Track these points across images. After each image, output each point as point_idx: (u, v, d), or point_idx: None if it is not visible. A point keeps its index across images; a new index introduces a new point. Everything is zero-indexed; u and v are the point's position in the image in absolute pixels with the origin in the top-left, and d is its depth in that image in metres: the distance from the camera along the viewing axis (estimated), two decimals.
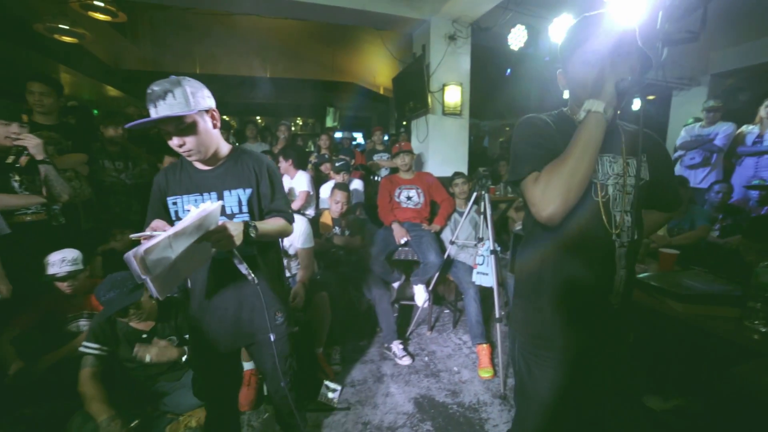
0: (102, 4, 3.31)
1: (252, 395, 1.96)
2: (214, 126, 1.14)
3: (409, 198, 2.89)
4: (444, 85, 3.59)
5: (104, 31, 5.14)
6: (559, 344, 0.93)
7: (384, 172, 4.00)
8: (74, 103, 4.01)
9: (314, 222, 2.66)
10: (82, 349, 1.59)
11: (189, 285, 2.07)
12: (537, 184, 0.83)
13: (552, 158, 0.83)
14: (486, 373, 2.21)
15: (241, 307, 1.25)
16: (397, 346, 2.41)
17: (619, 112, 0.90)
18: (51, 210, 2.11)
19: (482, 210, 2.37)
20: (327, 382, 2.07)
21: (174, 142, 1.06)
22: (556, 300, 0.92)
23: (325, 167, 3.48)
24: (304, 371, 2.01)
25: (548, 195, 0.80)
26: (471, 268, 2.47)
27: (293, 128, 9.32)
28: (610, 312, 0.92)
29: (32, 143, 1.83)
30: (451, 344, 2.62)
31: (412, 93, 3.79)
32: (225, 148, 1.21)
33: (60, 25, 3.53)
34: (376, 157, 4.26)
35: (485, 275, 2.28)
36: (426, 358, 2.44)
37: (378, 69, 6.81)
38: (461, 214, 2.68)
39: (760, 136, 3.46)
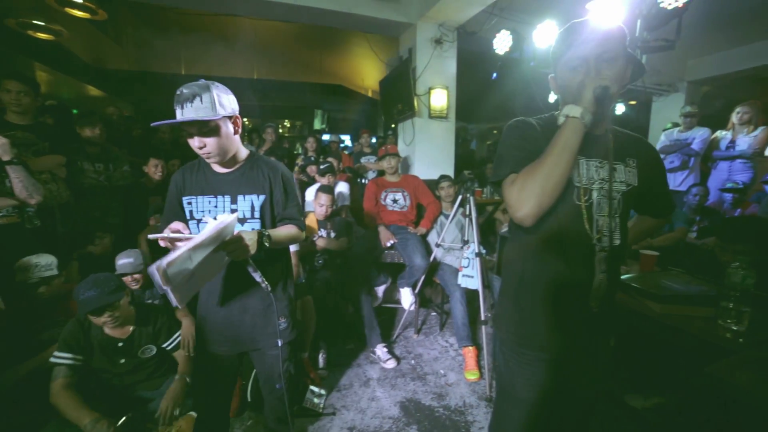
0: (80, 1, 3.22)
1: (236, 402, 1.92)
2: (235, 132, 1.18)
3: (395, 201, 2.89)
4: (430, 89, 3.61)
5: (85, 30, 5.02)
6: (537, 343, 0.94)
7: (371, 175, 4.00)
8: (53, 102, 3.89)
9: None
10: (53, 359, 1.52)
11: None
12: (513, 186, 0.85)
13: (532, 161, 0.85)
14: (472, 375, 2.22)
15: (245, 311, 1.27)
16: (381, 350, 2.39)
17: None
18: (25, 212, 2.03)
19: (468, 213, 2.38)
20: (312, 387, 2.04)
21: (195, 143, 1.10)
22: (536, 300, 0.93)
23: (310, 170, 3.46)
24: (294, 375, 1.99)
25: (523, 196, 0.82)
26: (457, 271, 2.48)
27: (281, 130, 9.24)
28: (590, 315, 0.92)
29: None
30: (438, 347, 2.62)
31: (398, 96, 3.81)
32: (243, 153, 1.25)
33: (34, 21, 3.42)
34: (363, 160, 4.26)
35: (471, 278, 2.29)
36: (412, 361, 2.44)
37: (366, 72, 6.83)
38: (447, 216, 2.70)
39: (732, 141, 3.60)
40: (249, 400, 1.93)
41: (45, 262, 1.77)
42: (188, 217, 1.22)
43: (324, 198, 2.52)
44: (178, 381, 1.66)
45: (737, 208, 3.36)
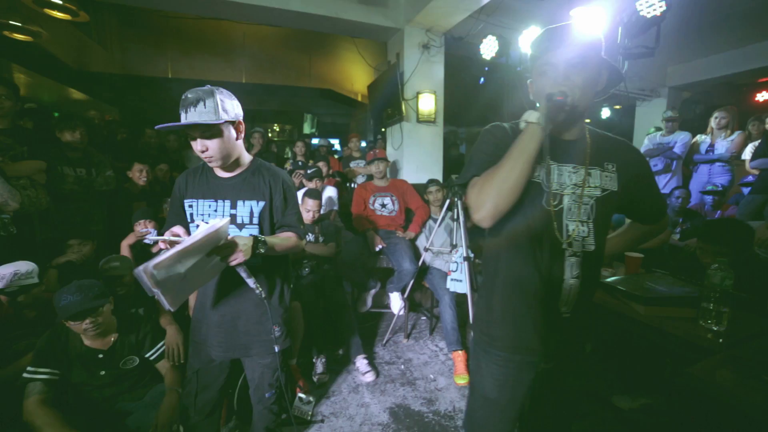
0: (60, 2, 3.15)
1: (222, 410, 1.88)
2: (238, 137, 1.19)
3: (383, 205, 2.89)
4: (418, 93, 3.63)
5: (68, 32, 4.92)
6: (506, 344, 0.95)
7: (360, 179, 3.99)
8: (32, 105, 3.78)
9: None
10: (27, 375, 1.45)
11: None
12: (473, 188, 0.88)
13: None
14: (462, 379, 2.21)
15: (239, 317, 1.27)
16: (360, 361, 2.31)
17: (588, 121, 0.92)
18: (0, 219, 1.97)
19: (456, 216, 2.39)
20: (301, 394, 2.01)
21: (197, 146, 1.12)
22: (505, 301, 0.94)
23: (296, 175, 3.44)
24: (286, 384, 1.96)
25: (480, 199, 0.84)
26: (446, 275, 2.48)
27: (270, 134, 9.18)
28: (561, 320, 0.92)
29: None
30: (428, 351, 2.62)
31: (386, 100, 3.82)
32: (246, 158, 1.26)
33: (10, 22, 3.33)
34: (353, 164, 4.25)
35: (459, 282, 2.30)
36: (402, 366, 2.43)
37: (355, 76, 6.85)
38: (436, 220, 2.70)
39: (711, 145, 3.71)
40: (235, 408, 1.90)
41: (25, 270, 1.71)
42: (189, 220, 1.24)
43: (310, 203, 2.50)
44: (171, 394, 1.61)
45: (717, 210, 3.45)
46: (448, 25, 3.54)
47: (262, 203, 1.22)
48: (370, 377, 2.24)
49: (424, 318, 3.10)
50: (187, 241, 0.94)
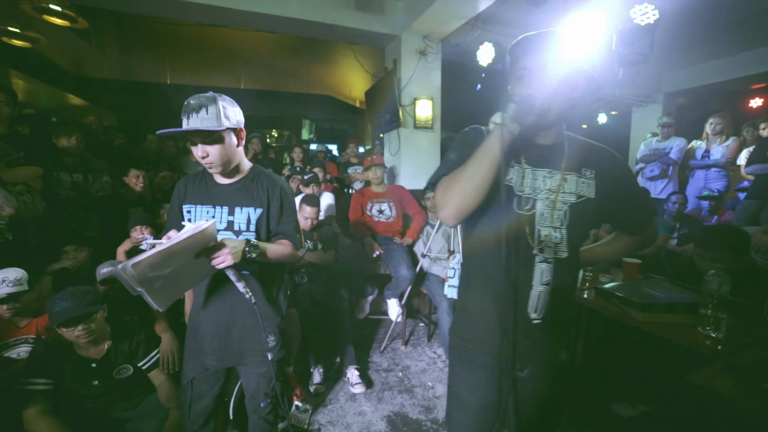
0: (59, 9, 3.16)
1: (219, 419, 1.85)
2: (239, 144, 1.19)
3: (380, 211, 2.88)
4: (415, 99, 3.65)
5: (65, 37, 4.92)
6: (477, 348, 0.95)
7: (358, 185, 3.99)
8: (30, 110, 3.78)
9: None
10: (24, 386, 1.43)
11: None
12: (440, 187, 0.88)
13: None
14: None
15: (233, 324, 1.25)
16: (351, 372, 2.26)
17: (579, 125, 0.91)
18: None
19: None
20: (297, 403, 1.99)
21: (198, 152, 1.12)
22: (476, 304, 0.94)
23: (292, 180, 3.44)
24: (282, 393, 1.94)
25: (445, 198, 0.85)
26: (444, 281, 2.47)
27: (268, 140, 9.19)
28: (530, 327, 0.91)
29: None
30: (426, 358, 2.60)
31: (384, 107, 3.83)
32: (246, 165, 1.26)
33: (9, 28, 3.34)
34: (350, 170, 4.25)
35: (457, 288, 2.29)
36: (400, 374, 2.41)
37: (353, 82, 6.88)
38: (433, 226, 2.70)
39: (707, 151, 3.74)
40: (231, 417, 1.87)
41: (14, 277, 1.69)
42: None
43: (308, 210, 2.48)
44: (172, 413, 1.60)
45: (714, 215, 3.46)
46: (444, 32, 3.57)
47: (259, 210, 1.22)
48: (359, 389, 2.19)
49: (423, 324, 3.08)
50: (170, 241, 0.93)
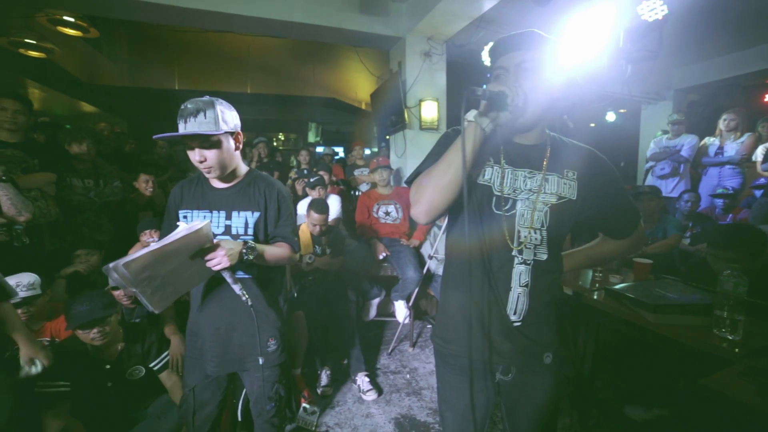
0: (72, 20, 3.24)
1: (227, 422, 1.86)
2: (236, 148, 1.20)
3: (387, 213, 2.88)
4: (420, 101, 3.64)
5: (78, 47, 5.06)
6: (457, 348, 0.93)
7: (364, 187, 4.00)
8: (45, 119, 3.89)
9: None
10: (39, 389, 1.46)
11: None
12: (414, 184, 0.88)
13: None
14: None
15: (234, 329, 1.24)
16: (362, 379, 2.22)
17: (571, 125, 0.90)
18: (13, 230, 2.00)
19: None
20: (305, 405, 2.00)
21: (195, 156, 1.12)
22: (456, 305, 0.92)
23: (298, 183, 3.45)
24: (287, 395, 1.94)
25: (418, 194, 0.84)
26: None
27: (275, 143, 9.26)
28: (510, 329, 0.89)
29: None
30: (434, 360, 2.57)
31: (389, 108, 3.83)
32: (243, 169, 1.26)
33: (26, 40, 3.44)
34: (356, 173, 4.26)
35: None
36: (408, 376, 2.39)
37: (359, 85, 6.91)
38: (440, 227, 2.69)
39: (720, 148, 3.65)
40: (240, 419, 1.88)
41: (27, 281, 1.73)
42: None
43: (316, 218, 2.43)
44: None
45: (729, 214, 3.38)
46: (449, 32, 3.56)
47: (257, 214, 1.22)
48: (371, 396, 2.15)
49: (430, 326, 3.06)
50: (163, 241, 0.91)
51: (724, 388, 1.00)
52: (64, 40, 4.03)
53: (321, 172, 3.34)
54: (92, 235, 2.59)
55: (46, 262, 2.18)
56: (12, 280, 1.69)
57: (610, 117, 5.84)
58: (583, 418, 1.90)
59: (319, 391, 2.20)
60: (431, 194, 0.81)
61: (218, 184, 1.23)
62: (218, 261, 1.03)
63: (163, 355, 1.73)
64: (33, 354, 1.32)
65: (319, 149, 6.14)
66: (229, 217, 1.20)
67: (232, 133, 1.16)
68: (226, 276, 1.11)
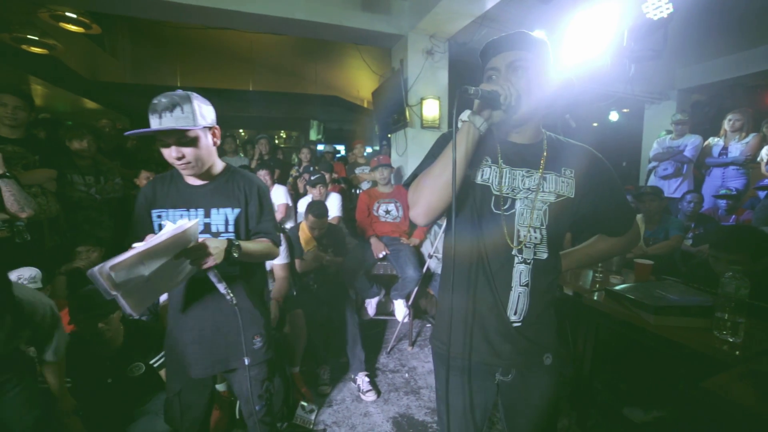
0: (74, 16, 3.24)
1: (224, 421, 1.87)
2: (214, 143, 1.16)
3: (387, 212, 2.87)
4: (422, 99, 3.63)
5: (80, 43, 5.06)
6: (456, 350, 0.92)
7: (366, 185, 3.99)
8: (46, 115, 3.89)
9: (294, 235, 2.59)
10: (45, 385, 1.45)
11: (161, 301, 2.00)
12: (412, 186, 0.88)
13: None
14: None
15: (218, 330, 1.21)
16: (362, 378, 2.21)
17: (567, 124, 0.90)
18: (15, 226, 2.01)
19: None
20: (303, 403, 1.99)
21: (172, 153, 1.07)
22: (455, 306, 0.92)
23: (300, 180, 3.44)
24: (281, 393, 1.94)
25: (416, 195, 0.84)
26: None
27: (277, 141, 9.26)
28: (510, 330, 0.89)
29: None
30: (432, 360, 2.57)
31: (391, 107, 3.82)
32: (219, 165, 1.22)
33: (28, 36, 3.44)
34: (357, 171, 4.25)
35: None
36: (406, 375, 2.39)
37: (361, 83, 6.89)
38: (441, 226, 2.68)
39: (725, 148, 3.62)
40: (237, 417, 1.88)
41: (28, 275, 1.73)
42: (157, 231, 1.15)
43: (313, 221, 2.40)
44: None
45: (732, 215, 3.35)
46: (451, 30, 3.54)
47: (237, 210, 1.19)
48: (371, 396, 2.13)
49: (429, 325, 3.06)
50: (151, 241, 0.88)
51: (724, 391, 0.99)
52: (66, 36, 4.04)
53: (322, 172, 3.33)
54: (93, 232, 2.60)
55: (47, 259, 2.19)
56: (14, 274, 1.70)
57: (613, 116, 5.80)
58: (582, 419, 1.89)
59: (317, 389, 2.20)
60: (429, 195, 0.81)
61: (194, 181, 1.19)
62: (205, 260, 1.00)
63: (163, 353, 1.73)
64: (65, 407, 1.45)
65: (320, 147, 6.13)
66: (208, 215, 1.17)
67: (209, 128, 1.13)
68: (211, 275, 1.09)
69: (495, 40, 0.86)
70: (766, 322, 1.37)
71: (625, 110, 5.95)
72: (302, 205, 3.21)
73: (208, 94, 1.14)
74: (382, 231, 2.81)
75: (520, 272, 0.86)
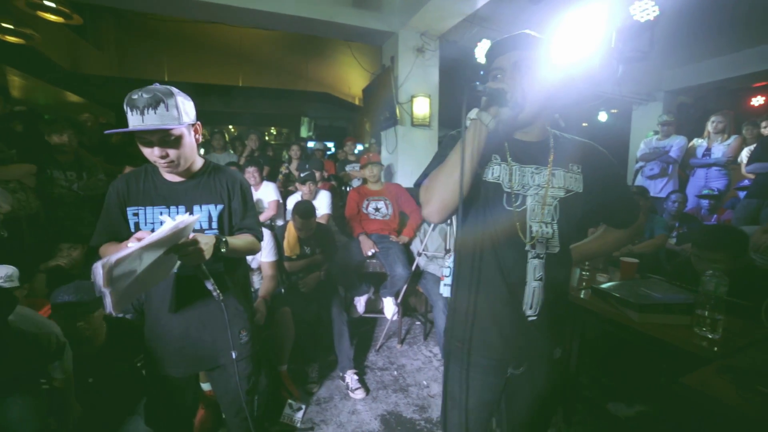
0: (53, 5, 3.13)
1: (209, 419, 1.84)
2: (197, 140, 1.14)
3: (377, 209, 2.86)
4: (413, 97, 3.62)
5: (62, 34, 4.91)
6: (470, 347, 0.93)
7: (356, 183, 3.97)
8: (22, 108, 3.76)
9: (280, 235, 2.56)
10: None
11: (143, 298, 1.96)
12: (424, 185, 0.90)
13: None
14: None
15: (204, 327, 1.20)
16: (351, 377, 2.18)
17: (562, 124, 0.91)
18: None
19: (450, 221, 2.37)
20: (290, 401, 1.98)
21: (155, 152, 1.03)
22: (470, 303, 0.93)
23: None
24: (266, 390, 1.92)
25: (428, 195, 0.86)
26: (439, 280, 2.45)
27: (267, 137, 9.15)
28: (525, 323, 0.91)
29: None
30: (422, 357, 2.58)
31: (381, 104, 3.81)
32: (199, 161, 1.19)
33: (2, 24, 3.32)
34: (348, 168, 4.23)
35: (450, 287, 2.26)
36: (395, 372, 2.39)
37: (352, 80, 6.85)
38: (430, 224, 2.68)
39: (708, 149, 3.71)
40: (224, 416, 1.86)
41: (4, 273, 1.68)
42: (133, 230, 1.13)
43: (299, 222, 2.37)
44: None
45: (713, 214, 3.44)
46: (442, 29, 3.54)
47: (220, 206, 1.17)
48: (360, 394, 2.11)
49: (419, 323, 3.06)
50: (152, 236, 0.87)
51: (701, 385, 1.01)
52: (46, 26, 3.90)
53: (312, 170, 3.30)
54: (75, 229, 2.53)
55: (26, 256, 2.13)
56: None
57: (602, 117, 5.89)
58: (568, 414, 1.92)
59: (306, 387, 2.18)
60: (442, 193, 0.83)
61: (173, 178, 1.15)
62: (196, 256, 0.97)
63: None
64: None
65: (311, 144, 6.08)
66: (190, 212, 1.14)
67: (191, 125, 1.11)
68: (198, 272, 1.07)
69: (500, 41, 0.88)
70: (744, 318, 1.41)
71: (614, 111, 6.05)
72: (291, 202, 3.17)
73: (196, 89, 1.12)
74: (372, 229, 2.80)
75: (534, 267, 0.88)
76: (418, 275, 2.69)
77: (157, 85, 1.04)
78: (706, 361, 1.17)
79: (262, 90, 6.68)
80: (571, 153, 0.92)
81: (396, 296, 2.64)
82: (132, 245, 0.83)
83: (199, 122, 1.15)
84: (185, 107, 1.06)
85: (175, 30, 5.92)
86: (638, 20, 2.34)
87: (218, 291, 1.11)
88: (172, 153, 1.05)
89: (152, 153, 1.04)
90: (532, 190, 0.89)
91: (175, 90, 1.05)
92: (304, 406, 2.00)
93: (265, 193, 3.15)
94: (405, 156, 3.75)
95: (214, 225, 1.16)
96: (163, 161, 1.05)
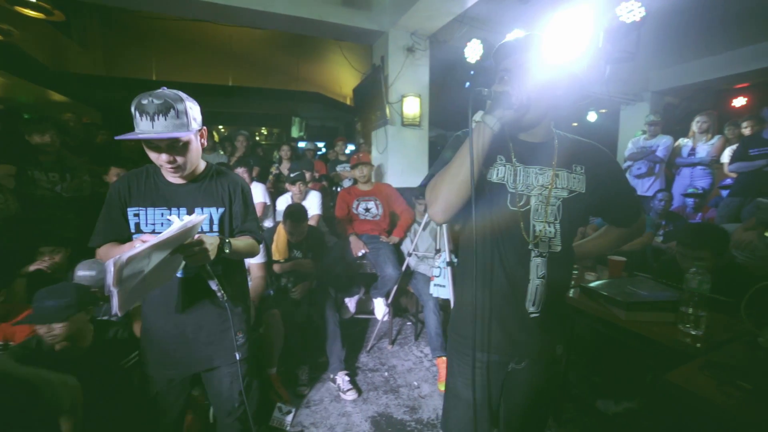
0: (33, 0, 3.05)
1: (196, 424, 1.81)
2: (201, 144, 1.15)
3: (367, 210, 2.85)
4: (403, 97, 3.61)
5: (43, 31, 4.79)
6: (474, 344, 0.96)
7: (347, 183, 3.95)
8: (0, 106, 3.65)
9: (268, 237, 2.53)
10: None
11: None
12: (429, 186, 0.91)
13: None
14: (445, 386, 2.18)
15: (200, 329, 1.20)
16: (342, 378, 2.18)
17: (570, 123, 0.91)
18: None
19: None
20: (280, 404, 1.96)
21: (163, 158, 1.04)
22: (474, 301, 0.94)
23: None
24: (256, 393, 1.89)
25: (434, 195, 0.88)
26: (430, 280, 2.45)
27: (257, 137, 9.06)
28: (528, 321, 0.93)
29: None
30: (413, 357, 2.58)
31: (371, 104, 3.80)
32: (201, 164, 1.20)
33: None
34: (339, 168, 4.21)
35: (442, 287, 2.27)
36: (386, 373, 2.38)
37: (343, 79, 6.82)
38: (420, 224, 2.68)
39: (693, 149, 3.78)
40: (211, 421, 1.83)
41: None
42: (133, 231, 1.14)
43: (290, 226, 2.35)
44: None
45: (698, 213, 3.50)
46: (432, 28, 3.54)
47: (221, 210, 1.18)
48: (351, 395, 2.11)
49: (410, 323, 3.06)
50: (161, 236, 0.87)
51: (685, 382, 1.03)
52: (27, 22, 3.80)
53: (303, 171, 3.27)
54: (58, 232, 2.47)
55: (4, 260, 2.06)
56: None
57: (592, 117, 5.96)
58: (557, 412, 1.93)
59: (295, 390, 2.16)
60: (447, 193, 0.85)
61: (176, 180, 1.15)
62: (201, 256, 0.97)
63: (134, 354, 1.66)
64: None
65: (301, 144, 6.03)
66: (191, 214, 1.14)
67: (199, 130, 1.11)
68: (204, 272, 1.08)
69: (506, 43, 0.90)
70: (726, 315, 1.43)
71: (603, 110, 6.13)
72: (281, 203, 3.14)
73: (185, 88, 1.09)
74: (362, 229, 2.79)
75: (537, 265, 0.90)
76: (408, 275, 2.69)
77: (166, 90, 1.03)
78: (690, 357, 1.19)
79: (253, 90, 6.60)
80: (575, 153, 0.94)
81: (386, 297, 2.63)
82: (139, 245, 0.83)
83: (204, 127, 1.14)
84: (193, 113, 1.06)
85: (163, 29, 5.83)
86: (625, 21, 2.37)
87: (222, 292, 1.13)
88: (180, 159, 1.06)
89: (159, 158, 1.05)
90: (535, 191, 0.91)
91: (183, 95, 1.05)
92: (294, 409, 1.98)
93: (253, 195, 3.11)
94: (395, 156, 3.74)
95: (215, 228, 1.17)
96: (170, 166, 1.06)
